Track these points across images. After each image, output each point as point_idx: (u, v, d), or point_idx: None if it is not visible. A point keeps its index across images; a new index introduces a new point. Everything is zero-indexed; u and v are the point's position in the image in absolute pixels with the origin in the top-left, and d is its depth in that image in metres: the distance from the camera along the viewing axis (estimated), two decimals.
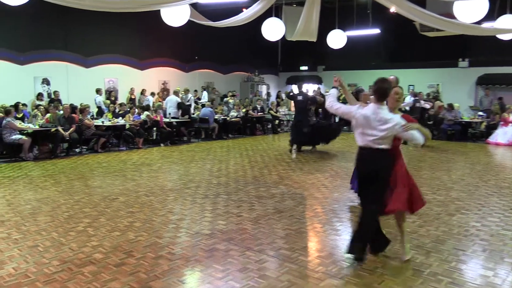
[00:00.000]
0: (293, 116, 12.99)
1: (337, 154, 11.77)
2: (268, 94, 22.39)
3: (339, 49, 13.16)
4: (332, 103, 4.54)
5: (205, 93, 18.14)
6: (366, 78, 20.01)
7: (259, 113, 17.17)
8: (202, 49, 18.79)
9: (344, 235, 5.24)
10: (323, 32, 11.93)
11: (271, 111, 17.72)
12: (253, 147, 13.06)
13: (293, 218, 5.87)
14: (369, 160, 4.24)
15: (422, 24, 13.08)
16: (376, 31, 17.14)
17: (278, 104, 19.22)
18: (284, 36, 11.04)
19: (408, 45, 18.31)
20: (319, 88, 12.39)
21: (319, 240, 5.16)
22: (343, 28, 12.98)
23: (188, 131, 14.80)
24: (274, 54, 23.06)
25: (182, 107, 15.15)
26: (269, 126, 17.77)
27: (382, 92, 4.16)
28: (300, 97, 12.15)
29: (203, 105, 15.83)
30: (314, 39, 11.31)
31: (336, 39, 12.35)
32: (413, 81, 18.37)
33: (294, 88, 12.80)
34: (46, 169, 9.48)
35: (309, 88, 21.02)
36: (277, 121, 17.72)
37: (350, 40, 12.99)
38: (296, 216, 5.99)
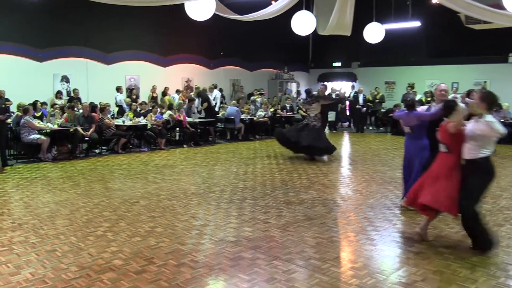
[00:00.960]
0: (323, 119, 11.77)
1: (372, 158, 11.63)
2: (298, 92, 22.34)
3: (376, 44, 13.00)
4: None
5: (216, 92, 17.57)
6: (405, 75, 19.82)
7: (288, 113, 17.14)
8: (228, 44, 18.90)
9: (380, 245, 5.16)
10: (357, 26, 11.80)
11: (300, 111, 17.64)
12: (282, 149, 13.02)
13: (324, 226, 5.83)
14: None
15: (467, 16, 12.80)
16: (416, 24, 16.88)
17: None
18: (315, 30, 10.98)
19: (452, 39, 17.95)
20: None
21: (352, 250, 5.10)
22: (380, 21, 12.83)
23: (208, 131, 14.85)
24: (304, 49, 22.99)
25: (203, 96, 15.21)
26: None
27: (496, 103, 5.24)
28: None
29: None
30: (348, 33, 11.21)
31: (374, 32, 12.19)
32: (458, 78, 17.99)
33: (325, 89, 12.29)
34: (64, 170, 9.71)
35: (343, 86, 20.86)
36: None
37: (387, 33, 12.81)
38: (327, 223, 5.95)
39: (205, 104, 15.00)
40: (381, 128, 18.87)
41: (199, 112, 14.98)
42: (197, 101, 15.41)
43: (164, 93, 16.22)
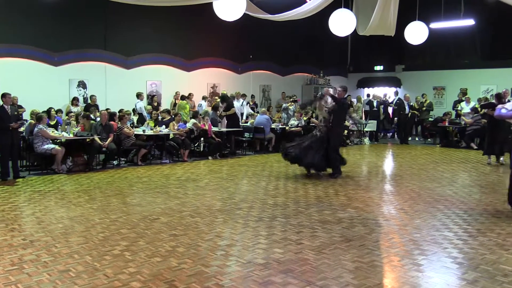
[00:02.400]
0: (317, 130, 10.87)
1: (419, 173, 11.44)
2: None
3: (422, 45, 12.89)
4: None
5: (242, 101, 17.48)
6: (457, 80, 19.50)
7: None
8: (258, 47, 19.04)
9: (427, 271, 5.05)
10: (402, 25, 11.74)
11: None
12: None
13: (364, 249, 5.75)
14: None
15: None
16: (469, 22, 16.63)
17: None
18: (355, 31, 10.95)
19: (510, 39, 17.61)
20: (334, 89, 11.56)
21: (396, 276, 5.01)
22: (428, 19, 12.74)
23: (235, 141, 14.83)
24: (342, 51, 22.95)
25: (227, 100, 15.25)
26: None
27: None
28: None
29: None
30: (392, 34, 11.17)
31: (416, 33, 12.08)
32: None
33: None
34: (80, 183, 9.89)
35: (388, 93, 20.62)
36: (345, 131, 17.53)
37: (436, 34, 12.72)
38: (368, 246, 5.87)
39: (233, 110, 15.04)
40: (429, 140, 18.57)
41: (221, 117, 15.01)
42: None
43: (183, 97, 16.25)
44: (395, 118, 18.57)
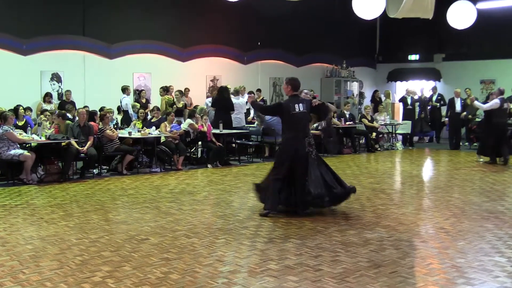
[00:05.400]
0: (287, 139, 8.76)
1: (463, 184, 11.39)
2: (361, 94, 22.23)
3: (466, 30, 12.83)
4: None
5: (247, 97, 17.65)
6: (509, 71, 19.35)
7: (347, 123, 17.04)
8: (267, 32, 19.01)
9: None
10: (442, 6, 11.69)
11: (364, 120, 17.52)
12: (339, 171, 12.90)
13: (397, 276, 5.73)
14: None
15: None
16: None
17: (375, 110, 18.96)
18: (385, 13, 10.94)
19: None
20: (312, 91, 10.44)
21: None
22: None
23: (235, 145, 14.78)
24: (370, 38, 22.96)
25: (223, 93, 15.27)
26: (362, 141, 17.53)
27: None
28: (299, 107, 8.47)
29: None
30: (430, 16, 11.12)
31: (461, 15, 12.05)
32: None
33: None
34: (53, 196, 9.92)
35: (424, 87, 20.51)
36: (373, 134, 17.51)
37: (484, 15, 12.70)
38: (401, 273, 5.84)
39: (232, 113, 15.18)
40: (475, 144, 18.45)
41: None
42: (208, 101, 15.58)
43: (167, 89, 16.11)
44: (446, 119, 18.41)
